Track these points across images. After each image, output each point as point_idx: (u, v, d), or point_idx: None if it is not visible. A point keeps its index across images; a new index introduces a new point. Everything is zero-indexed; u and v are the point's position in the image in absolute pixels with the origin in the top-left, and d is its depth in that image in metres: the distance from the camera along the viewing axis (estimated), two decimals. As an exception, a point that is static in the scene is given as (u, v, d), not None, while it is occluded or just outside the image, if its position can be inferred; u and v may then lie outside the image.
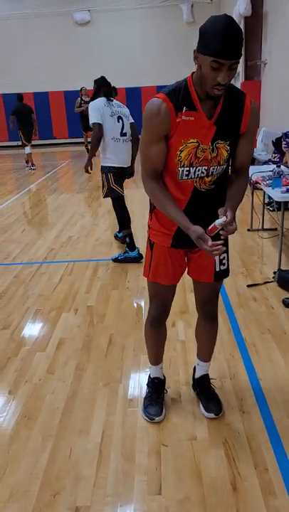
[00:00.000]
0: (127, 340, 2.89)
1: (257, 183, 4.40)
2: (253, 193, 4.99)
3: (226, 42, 1.45)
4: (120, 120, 4.16)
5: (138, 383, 2.46)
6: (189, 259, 1.99)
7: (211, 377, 2.29)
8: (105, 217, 6.07)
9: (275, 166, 4.34)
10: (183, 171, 1.73)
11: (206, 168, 1.73)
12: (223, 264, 1.98)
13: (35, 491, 1.81)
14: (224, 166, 1.78)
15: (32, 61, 15.13)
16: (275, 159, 6.30)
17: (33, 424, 2.18)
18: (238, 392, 2.32)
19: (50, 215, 6.41)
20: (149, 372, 2.32)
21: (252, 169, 4.99)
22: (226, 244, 1.90)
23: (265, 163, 6.46)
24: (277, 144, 6.57)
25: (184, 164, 1.72)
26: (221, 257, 1.95)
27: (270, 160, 6.50)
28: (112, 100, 4.21)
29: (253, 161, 7.93)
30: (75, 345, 2.88)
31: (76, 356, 2.74)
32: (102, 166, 4.23)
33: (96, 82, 4.32)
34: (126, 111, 4.27)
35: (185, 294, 3.42)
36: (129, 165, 4.33)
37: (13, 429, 2.16)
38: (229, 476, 1.82)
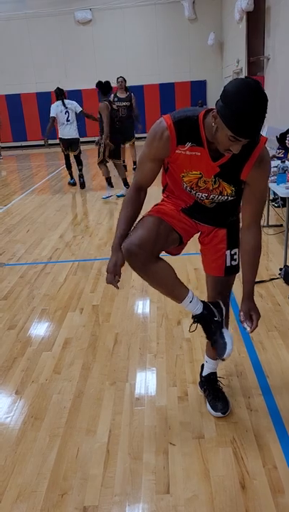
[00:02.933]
0: (133, 339, 2.88)
1: (261, 179, 4.38)
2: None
3: (250, 126, 1.39)
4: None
5: (144, 382, 2.46)
6: (201, 250, 2.01)
7: (218, 375, 2.27)
8: (109, 216, 6.06)
9: (279, 161, 4.32)
10: (186, 187, 1.77)
11: (207, 195, 1.75)
12: (235, 260, 1.95)
13: (43, 490, 1.81)
14: (227, 198, 1.74)
15: (34, 61, 15.14)
16: (280, 155, 6.26)
17: (40, 424, 2.18)
18: (246, 390, 2.30)
19: (54, 215, 6.41)
20: (191, 312, 1.94)
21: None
22: (236, 239, 1.90)
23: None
24: (281, 139, 6.52)
25: (186, 186, 1.76)
26: (233, 252, 1.92)
27: (274, 156, 6.45)
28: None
29: (257, 158, 7.88)
30: (80, 344, 2.87)
31: (82, 356, 2.74)
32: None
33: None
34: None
35: (190, 291, 3.40)
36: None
37: (20, 429, 2.16)
38: (238, 475, 1.80)
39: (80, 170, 7.95)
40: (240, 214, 1.83)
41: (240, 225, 1.85)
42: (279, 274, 3.61)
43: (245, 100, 1.36)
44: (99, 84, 6.83)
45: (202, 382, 2.29)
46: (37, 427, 2.16)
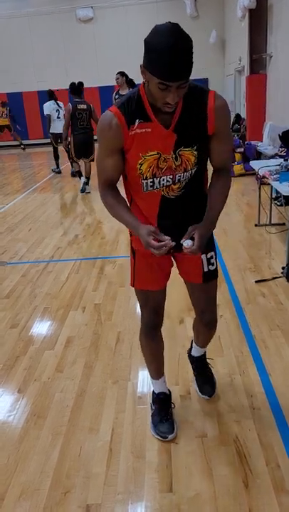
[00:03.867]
0: (135, 338, 2.88)
1: (264, 177, 4.37)
2: (260, 188, 4.95)
3: (171, 64, 1.30)
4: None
5: (147, 381, 2.45)
6: (176, 258, 1.91)
7: (208, 357, 2.33)
8: (111, 215, 6.05)
9: (282, 160, 4.31)
10: (147, 183, 1.64)
11: (172, 176, 1.62)
12: (212, 264, 1.88)
13: (46, 489, 1.81)
14: (193, 171, 1.64)
15: (35, 60, 15.13)
16: (282, 153, 6.25)
17: (43, 422, 2.19)
18: (248, 389, 2.30)
19: (56, 214, 6.41)
20: (152, 389, 2.19)
21: (258, 164, 4.95)
22: (213, 241, 1.87)
23: (272, 157, 6.40)
24: (284, 137, 6.51)
25: (146, 177, 1.62)
26: (209, 256, 1.85)
27: (276, 154, 6.45)
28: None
29: (260, 156, 7.87)
30: (83, 343, 2.87)
31: (84, 354, 2.74)
32: None
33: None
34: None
35: (193, 290, 3.40)
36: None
37: (23, 427, 2.16)
38: (241, 474, 1.80)
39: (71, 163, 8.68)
40: (211, 162, 1.72)
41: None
42: (281, 272, 3.60)
43: (161, 41, 1.30)
44: (71, 85, 7.25)
45: (191, 359, 2.34)
46: (40, 426, 2.16)
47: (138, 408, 2.23)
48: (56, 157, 9.48)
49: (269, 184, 4.37)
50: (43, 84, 15.04)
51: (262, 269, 3.80)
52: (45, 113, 8.96)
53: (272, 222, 4.94)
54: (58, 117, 8.83)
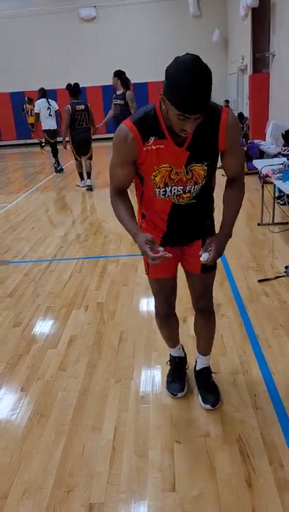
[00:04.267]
0: (138, 337, 2.88)
1: (267, 176, 4.36)
2: (263, 187, 4.94)
3: (192, 100, 1.38)
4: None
5: (150, 380, 2.45)
6: (180, 250, 2.02)
7: (213, 370, 2.35)
8: (114, 214, 6.05)
9: (285, 159, 4.30)
10: (159, 191, 1.74)
11: (182, 187, 1.73)
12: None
13: (49, 487, 1.81)
14: (203, 183, 1.75)
15: (37, 59, 15.14)
16: (285, 152, 6.24)
17: (46, 421, 2.19)
18: (251, 388, 2.30)
19: (58, 213, 6.41)
20: (169, 352, 2.39)
21: (261, 163, 4.94)
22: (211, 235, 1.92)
23: (275, 156, 6.39)
24: (286, 136, 6.50)
25: (159, 186, 1.73)
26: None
27: (279, 153, 6.43)
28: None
29: (262, 155, 7.86)
30: (86, 342, 2.87)
31: (87, 353, 2.74)
32: None
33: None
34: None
35: (196, 289, 3.40)
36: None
37: (26, 426, 2.17)
38: (244, 473, 1.80)
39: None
40: (225, 172, 1.83)
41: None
42: (285, 272, 3.59)
43: (183, 76, 1.36)
44: (67, 87, 7.40)
45: (196, 376, 2.34)
46: (43, 424, 2.16)
47: (141, 407, 2.23)
48: (55, 154, 9.67)
49: (272, 183, 4.36)
50: (44, 83, 15.05)
51: (265, 268, 3.79)
52: (35, 111, 9.38)
53: (276, 221, 4.93)
54: (50, 115, 9.28)
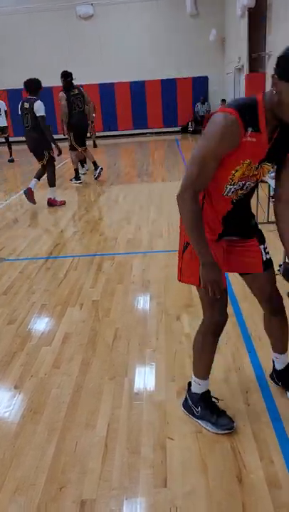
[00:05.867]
0: (133, 334, 2.89)
1: (262, 175, 4.37)
2: (257, 186, 4.95)
3: None
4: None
5: (143, 377, 2.46)
6: (230, 254, 1.93)
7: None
8: (110, 212, 6.06)
9: (280, 158, 4.31)
10: (230, 188, 1.72)
11: (244, 183, 1.73)
12: (267, 253, 1.97)
13: (41, 484, 1.82)
14: (256, 183, 1.80)
15: (36, 56, 15.09)
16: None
17: (39, 418, 2.19)
18: (244, 385, 2.31)
19: (55, 211, 6.41)
20: (188, 390, 2.12)
21: (257, 162, 4.96)
22: (263, 236, 2.00)
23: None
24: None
25: (234, 182, 1.70)
26: (264, 246, 1.97)
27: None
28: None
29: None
30: (80, 339, 2.88)
31: (82, 351, 2.75)
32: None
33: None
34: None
35: (190, 287, 3.40)
36: None
37: (19, 423, 2.17)
38: (235, 469, 1.81)
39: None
40: (280, 189, 1.84)
41: (279, 198, 1.86)
42: (278, 270, 3.61)
43: None
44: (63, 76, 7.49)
45: (278, 377, 2.23)
46: (36, 421, 2.17)
47: (134, 404, 2.24)
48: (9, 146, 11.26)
49: (267, 182, 4.37)
50: (44, 80, 15.01)
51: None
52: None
53: (270, 220, 4.93)
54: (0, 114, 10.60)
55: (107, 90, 15.45)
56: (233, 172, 1.66)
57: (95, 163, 8.00)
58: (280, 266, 3.63)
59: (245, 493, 1.70)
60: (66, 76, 7.46)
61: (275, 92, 1.52)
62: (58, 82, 8.00)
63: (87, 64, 14.89)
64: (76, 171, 8.01)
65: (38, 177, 6.66)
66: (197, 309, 3.10)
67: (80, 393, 2.35)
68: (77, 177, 8.03)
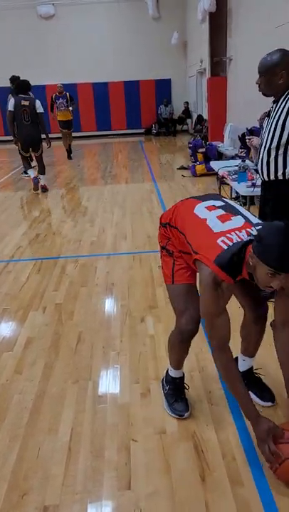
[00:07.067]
0: (96, 337, 2.88)
1: (223, 177, 4.46)
2: (220, 188, 5.05)
3: (286, 259, 1.47)
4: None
5: (107, 380, 2.46)
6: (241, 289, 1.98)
7: (257, 368, 2.28)
8: (73, 214, 6.01)
9: (240, 160, 4.41)
10: None
11: None
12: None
13: (2, 492, 1.78)
14: None
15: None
16: (242, 154, 6.39)
17: (0, 424, 2.14)
18: (207, 385, 2.34)
19: (17, 212, 6.29)
20: (167, 370, 2.26)
21: (218, 164, 5.05)
22: None
23: (233, 158, 6.54)
24: (243, 139, 6.65)
25: None
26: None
27: (236, 155, 6.58)
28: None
29: (221, 156, 8.02)
30: (43, 344, 2.84)
31: (44, 355, 2.71)
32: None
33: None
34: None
35: (154, 289, 3.42)
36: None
37: (-20, 431, 2.12)
38: (198, 468, 1.83)
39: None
40: (275, 313, 1.82)
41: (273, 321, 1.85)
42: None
43: (279, 234, 1.49)
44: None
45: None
46: (-3, 428, 2.12)
47: (98, 408, 2.23)
48: None
49: (228, 184, 4.46)
50: (2, 81, 14.72)
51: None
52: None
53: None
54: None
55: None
56: None
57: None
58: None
59: (207, 491, 1.72)
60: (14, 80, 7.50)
61: (251, 263, 1.58)
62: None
63: (48, 64, 14.72)
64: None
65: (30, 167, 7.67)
66: (161, 311, 3.13)
67: (43, 398, 2.32)
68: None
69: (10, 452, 1.97)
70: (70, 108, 10.46)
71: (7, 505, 1.72)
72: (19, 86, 7.14)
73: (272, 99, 2.75)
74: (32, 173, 7.53)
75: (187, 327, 1.99)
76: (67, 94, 10.53)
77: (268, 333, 1.96)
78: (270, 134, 2.70)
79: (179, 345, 2.08)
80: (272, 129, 2.69)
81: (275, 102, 2.71)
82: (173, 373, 2.21)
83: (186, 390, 2.22)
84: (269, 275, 1.52)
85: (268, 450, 1.68)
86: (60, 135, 10.81)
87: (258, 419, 1.73)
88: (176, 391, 2.19)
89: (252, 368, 2.24)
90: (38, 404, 2.28)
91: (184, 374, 2.24)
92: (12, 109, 6.92)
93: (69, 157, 10.95)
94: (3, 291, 3.65)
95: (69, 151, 10.95)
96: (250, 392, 2.17)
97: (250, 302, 2.04)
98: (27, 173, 7.98)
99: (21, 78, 7.61)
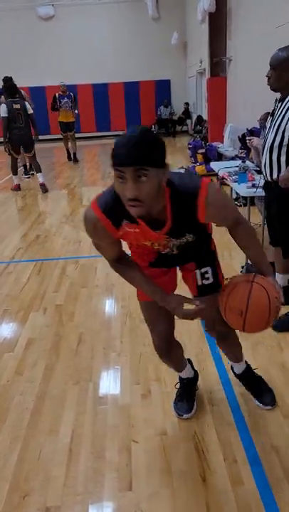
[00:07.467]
0: (97, 339, 2.88)
1: (224, 178, 4.46)
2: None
3: (124, 147, 1.28)
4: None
5: (108, 381, 2.46)
6: (168, 272, 1.91)
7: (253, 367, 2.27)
8: (73, 215, 6.01)
9: (240, 161, 4.40)
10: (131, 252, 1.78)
11: (165, 249, 1.67)
12: (207, 279, 1.86)
13: (4, 493, 1.78)
14: (187, 240, 1.64)
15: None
16: (242, 155, 6.39)
17: (1, 426, 2.15)
18: (207, 386, 2.35)
19: (17, 214, 6.30)
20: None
21: (218, 165, 5.05)
22: (212, 257, 1.91)
23: (233, 158, 6.54)
24: (243, 139, 6.65)
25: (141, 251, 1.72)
26: (203, 271, 1.85)
27: (236, 155, 6.59)
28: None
29: (221, 157, 8.02)
30: (44, 345, 2.84)
31: (45, 356, 2.71)
32: None
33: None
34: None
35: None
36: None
37: (-19, 432, 2.12)
38: (198, 469, 1.84)
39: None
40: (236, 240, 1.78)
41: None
42: (241, 271, 3.69)
43: (126, 133, 1.33)
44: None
45: (239, 380, 2.25)
46: (-2, 430, 2.13)
47: (99, 409, 2.23)
48: None
49: (229, 185, 4.46)
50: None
51: (221, 268, 3.86)
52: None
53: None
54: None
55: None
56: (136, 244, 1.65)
57: (25, 167, 8.64)
58: (242, 268, 3.71)
59: (208, 493, 1.73)
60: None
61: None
62: (18, 84, 7.81)
63: (48, 65, 14.73)
64: (25, 166, 8.67)
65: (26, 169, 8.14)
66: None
67: (44, 399, 2.32)
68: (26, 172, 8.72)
69: (11, 453, 1.98)
70: (76, 111, 10.32)
71: (9, 507, 1.72)
72: (10, 88, 7.24)
73: (272, 99, 2.75)
74: (38, 177, 7.62)
75: (158, 343, 1.96)
76: (72, 94, 10.43)
77: (268, 337, 1.96)
78: (274, 132, 2.69)
79: (161, 359, 2.05)
80: (276, 128, 2.68)
81: (280, 100, 2.70)
82: (180, 375, 2.23)
83: (195, 391, 2.24)
84: (119, 180, 1.32)
85: (181, 314, 1.65)
86: (60, 136, 10.76)
87: (166, 298, 1.66)
88: (182, 390, 2.21)
89: (250, 367, 2.24)
90: (38, 405, 2.28)
91: (193, 376, 2.24)
92: (6, 115, 7.04)
93: (74, 160, 10.66)
94: (4, 293, 3.65)
95: (74, 155, 10.64)
96: (249, 393, 2.20)
97: (207, 321, 1.98)
98: (27, 175, 7.99)
99: (21, 79, 7.63)
